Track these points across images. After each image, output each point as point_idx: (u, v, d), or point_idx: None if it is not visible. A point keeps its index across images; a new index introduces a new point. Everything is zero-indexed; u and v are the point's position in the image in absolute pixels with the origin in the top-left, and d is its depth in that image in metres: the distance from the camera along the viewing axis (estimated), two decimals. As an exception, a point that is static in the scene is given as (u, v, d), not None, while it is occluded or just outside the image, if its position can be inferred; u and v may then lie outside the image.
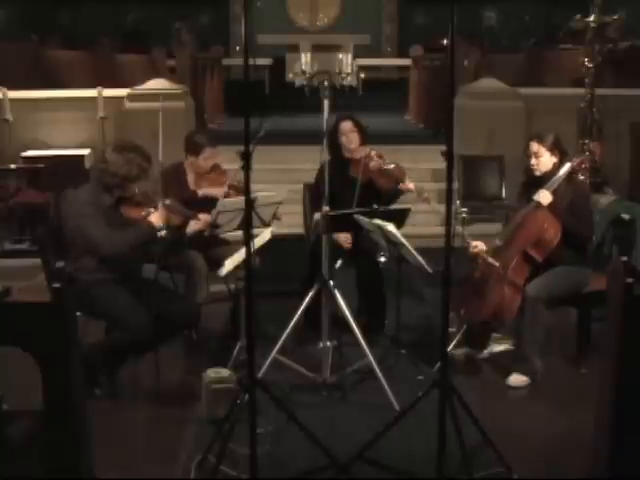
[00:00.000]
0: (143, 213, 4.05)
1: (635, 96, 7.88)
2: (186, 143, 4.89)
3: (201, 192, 4.80)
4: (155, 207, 4.06)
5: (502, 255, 4.35)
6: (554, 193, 4.29)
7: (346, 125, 4.89)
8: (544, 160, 4.34)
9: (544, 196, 4.27)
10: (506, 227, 4.50)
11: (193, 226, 4.46)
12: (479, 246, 4.42)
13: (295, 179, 6.24)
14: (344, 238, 4.77)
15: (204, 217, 4.42)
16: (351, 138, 4.88)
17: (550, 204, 4.26)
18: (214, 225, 4.39)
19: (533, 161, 4.37)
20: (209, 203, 4.55)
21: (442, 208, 3.28)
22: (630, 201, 6.56)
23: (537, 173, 4.37)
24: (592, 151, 4.42)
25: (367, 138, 4.96)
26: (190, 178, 4.90)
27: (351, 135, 4.88)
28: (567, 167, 4.33)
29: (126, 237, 3.98)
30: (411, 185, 4.71)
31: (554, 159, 4.35)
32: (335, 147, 4.89)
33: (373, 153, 4.84)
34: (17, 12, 13.60)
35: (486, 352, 4.61)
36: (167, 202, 4.15)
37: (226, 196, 4.73)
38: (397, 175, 4.77)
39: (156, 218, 4.02)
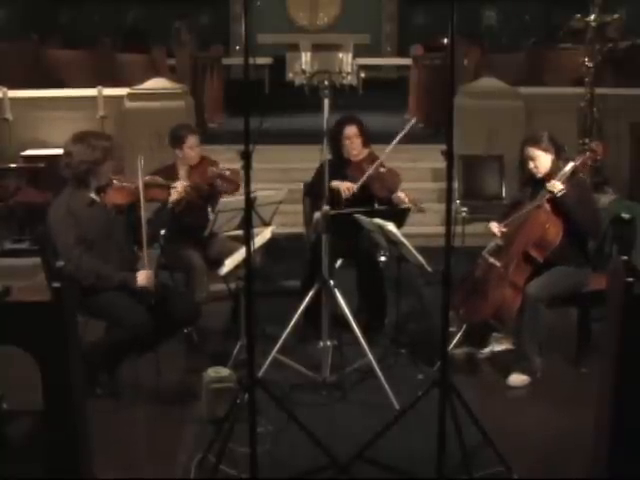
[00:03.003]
0: (125, 187, 4.14)
1: (635, 96, 7.88)
2: (169, 138, 5.02)
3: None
4: (136, 187, 4.09)
5: (503, 255, 4.35)
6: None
7: (351, 130, 4.89)
8: (542, 160, 4.34)
9: (558, 186, 4.22)
10: (501, 221, 4.49)
11: (174, 195, 4.49)
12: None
13: (295, 179, 6.24)
14: (345, 186, 4.74)
15: (180, 184, 4.53)
16: (355, 143, 4.89)
17: (561, 196, 4.23)
18: (191, 188, 4.57)
19: (531, 165, 4.36)
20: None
21: (442, 207, 3.28)
22: (630, 201, 6.56)
23: (539, 175, 4.36)
24: (595, 150, 4.40)
25: (369, 140, 4.97)
26: (182, 175, 4.91)
27: (355, 140, 4.89)
28: (570, 166, 4.32)
29: (100, 271, 3.96)
30: (405, 197, 4.70)
31: (550, 156, 4.35)
32: (336, 147, 4.90)
33: (373, 160, 4.84)
34: (17, 11, 13.59)
35: (486, 351, 4.61)
36: (146, 178, 4.24)
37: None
38: (391, 183, 4.77)
39: (143, 278, 4.02)
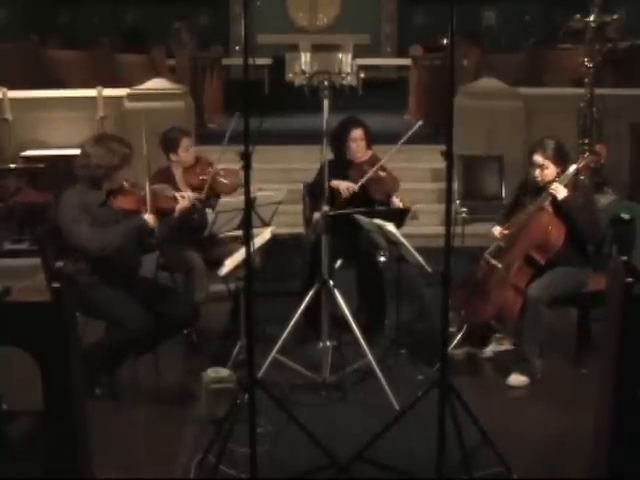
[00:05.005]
0: (135, 195, 4.12)
1: (635, 96, 7.88)
2: (162, 143, 4.91)
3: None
4: (144, 193, 4.09)
5: (505, 257, 4.34)
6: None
7: (358, 133, 4.91)
8: (549, 172, 4.33)
9: (560, 190, 4.23)
10: (502, 223, 4.49)
11: (181, 205, 4.47)
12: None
13: (295, 179, 6.24)
14: (345, 186, 4.75)
15: (188, 195, 4.48)
16: (360, 146, 4.92)
17: (563, 200, 4.23)
18: (199, 200, 4.51)
19: (537, 172, 4.35)
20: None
21: (442, 208, 3.28)
22: (630, 201, 6.57)
23: (540, 184, 4.36)
24: (597, 152, 4.39)
25: (371, 142, 4.99)
26: (178, 177, 4.90)
27: (360, 143, 4.92)
28: (572, 169, 4.31)
29: (115, 232, 3.98)
30: (400, 203, 4.70)
31: (557, 169, 4.33)
32: (340, 148, 4.91)
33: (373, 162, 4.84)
34: (17, 12, 13.60)
35: (486, 351, 4.61)
36: (155, 187, 4.24)
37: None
38: (389, 187, 4.77)
39: (149, 218, 4.04)
